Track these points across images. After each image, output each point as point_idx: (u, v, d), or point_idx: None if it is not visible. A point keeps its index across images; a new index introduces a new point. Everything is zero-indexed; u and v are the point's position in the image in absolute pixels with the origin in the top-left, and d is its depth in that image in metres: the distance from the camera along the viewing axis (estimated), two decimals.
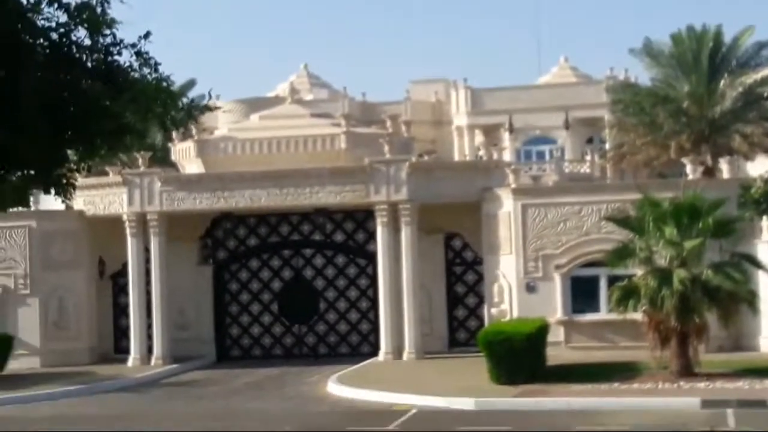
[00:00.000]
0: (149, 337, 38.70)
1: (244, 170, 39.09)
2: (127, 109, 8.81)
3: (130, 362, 38.36)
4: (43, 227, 39.30)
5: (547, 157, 60.44)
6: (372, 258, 38.77)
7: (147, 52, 8.67)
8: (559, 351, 33.02)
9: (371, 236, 38.66)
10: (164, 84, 8.85)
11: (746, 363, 30.80)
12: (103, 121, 8.70)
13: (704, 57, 46.80)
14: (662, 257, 29.18)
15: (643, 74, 51.87)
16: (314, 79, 73.59)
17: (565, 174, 53.74)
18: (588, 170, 56.20)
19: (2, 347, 36.89)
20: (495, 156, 41.69)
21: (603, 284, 34.20)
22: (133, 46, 8.58)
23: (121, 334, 40.55)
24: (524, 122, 64.24)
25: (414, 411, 27.23)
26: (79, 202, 40.20)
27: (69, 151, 9.56)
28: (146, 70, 8.78)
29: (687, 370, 28.85)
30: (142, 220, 38.71)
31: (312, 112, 44.80)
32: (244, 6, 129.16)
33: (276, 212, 39.82)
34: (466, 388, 28.94)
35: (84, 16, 8.20)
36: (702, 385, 27.91)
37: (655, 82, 48.94)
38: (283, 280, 40.91)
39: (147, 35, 8.55)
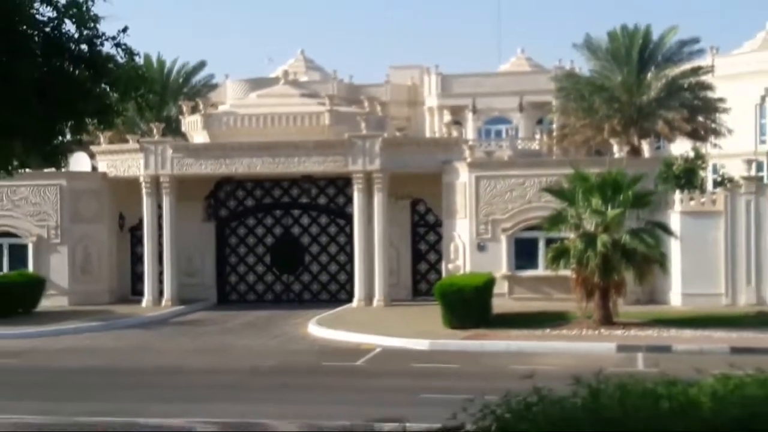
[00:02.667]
0: (160, 281, 38.68)
1: (243, 141, 38.98)
2: (107, 92, 8.87)
3: (143, 303, 38.35)
4: (72, 186, 39.16)
5: (503, 135, 60.56)
6: (350, 219, 38.73)
7: (125, 44, 8.62)
8: (503, 301, 33.10)
9: (349, 200, 38.53)
10: (139, 71, 8.86)
11: (657, 314, 31.23)
12: (88, 102, 8.75)
13: (635, 52, 46.93)
14: (589, 223, 29.32)
15: (586, 66, 51.95)
16: (309, 63, 73.38)
17: (517, 150, 53.80)
18: (537, 147, 56.27)
19: (36, 288, 37.01)
20: (455, 134, 41.73)
21: (541, 245, 34.44)
22: (113, 38, 8.55)
23: (136, 278, 40.42)
24: (485, 104, 64.49)
25: (378, 350, 27.56)
26: (103, 165, 40.54)
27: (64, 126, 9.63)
28: (124, 60, 8.75)
29: (607, 320, 29.25)
30: (155, 182, 38.60)
31: (302, 92, 44.51)
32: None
33: (269, 178, 39.74)
34: (423, 332, 29.21)
35: (71, 12, 8.25)
36: (619, 332, 28.33)
37: (593, 73, 48.98)
38: (275, 236, 40.88)
39: (125, 29, 8.53)
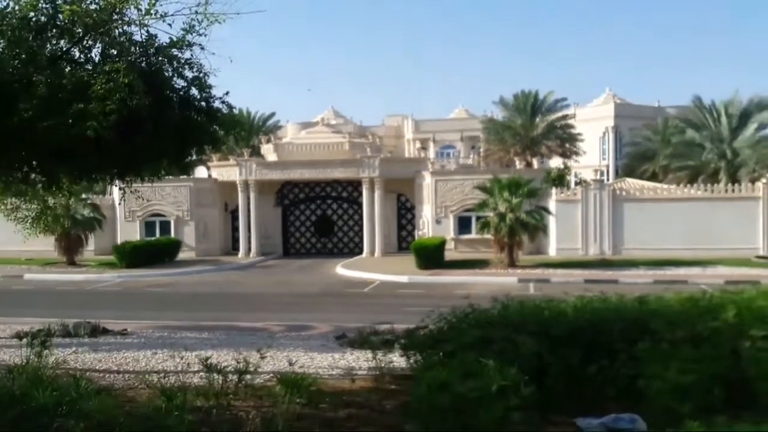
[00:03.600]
0: (249, 242, 38.56)
1: (297, 160, 38.87)
2: (217, 130, 8.84)
3: (239, 255, 38.20)
4: (197, 185, 39.01)
5: (451, 155, 60.40)
6: (360, 205, 38.58)
7: (227, 101, 8.57)
8: (451, 253, 32.99)
9: (360, 194, 38.35)
10: (235, 118, 8.79)
11: (541, 260, 31.26)
12: (205, 136, 8.74)
13: (528, 106, 46.86)
14: (502, 207, 29.21)
15: (500, 114, 51.62)
16: (336, 112, 72.74)
17: (459, 164, 53.51)
18: (471, 162, 56.00)
19: (175, 246, 37.00)
20: (422, 155, 41.78)
21: (473, 220, 34.14)
22: (220, 98, 8.45)
23: (234, 240, 40.31)
24: (441, 137, 64.19)
25: (377, 282, 27.51)
26: (214, 173, 40.37)
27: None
28: (227, 111, 8.69)
29: (512, 264, 29.24)
30: (246, 184, 38.44)
31: (332, 130, 44.38)
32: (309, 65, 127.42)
33: (313, 181, 39.49)
34: (404, 271, 29.17)
35: (195, 83, 8.18)
36: (519, 271, 28.30)
37: (505, 119, 48.78)
38: (316, 215, 40.69)
39: (227, 93, 8.53)
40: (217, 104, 8.27)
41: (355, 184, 39.02)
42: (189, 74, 7.84)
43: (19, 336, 15.68)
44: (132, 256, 32.88)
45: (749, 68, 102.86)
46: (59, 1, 7.30)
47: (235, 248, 39.78)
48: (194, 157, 9.84)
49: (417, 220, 37.41)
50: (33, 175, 10.27)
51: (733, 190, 32.54)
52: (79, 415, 5.22)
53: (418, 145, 63.03)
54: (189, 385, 8.09)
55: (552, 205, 32.92)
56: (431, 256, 29.75)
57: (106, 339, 15.26)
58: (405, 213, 39.33)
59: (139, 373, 10.73)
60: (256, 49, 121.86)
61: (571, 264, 29.54)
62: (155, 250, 34.90)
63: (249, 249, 38.42)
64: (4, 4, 7.24)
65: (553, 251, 33.49)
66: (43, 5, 7.28)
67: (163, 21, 7.27)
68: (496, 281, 26.15)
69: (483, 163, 50.84)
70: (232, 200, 39.79)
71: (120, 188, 9.75)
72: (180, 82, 8.02)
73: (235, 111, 8.78)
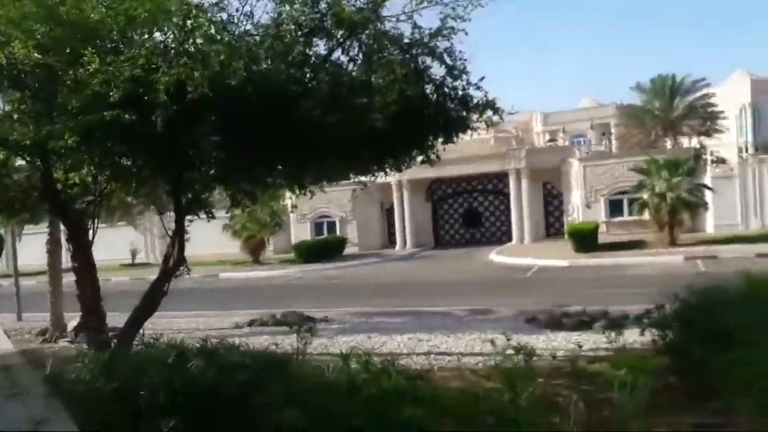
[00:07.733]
0: (404, 235, 38.55)
1: (447, 157, 38.05)
2: (469, 117, 8.23)
3: (396, 248, 38.28)
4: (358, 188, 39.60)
5: (582, 143, 57.38)
6: (506, 195, 37.35)
7: (481, 87, 7.91)
8: (604, 236, 30.80)
9: (505, 185, 37.13)
10: (489, 101, 7.96)
11: (701, 238, 28.60)
12: (460, 123, 8.20)
13: (666, 89, 43.20)
14: (661, 187, 26.88)
15: (634, 100, 47.91)
16: None
17: (593, 151, 50.79)
18: (603, 149, 52.92)
19: (342, 243, 37.65)
20: (562, 143, 39.89)
21: (625, 203, 31.90)
22: (476, 84, 7.82)
23: (391, 235, 40.45)
24: (570, 128, 60.77)
25: (537, 267, 26.16)
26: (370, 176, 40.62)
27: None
28: (480, 95, 8.02)
29: (672, 243, 26.90)
30: (399, 184, 38.37)
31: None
32: None
33: (460, 176, 38.68)
34: (560, 255, 27.56)
35: (453, 72, 7.61)
36: (681, 249, 25.96)
37: (643, 103, 45.32)
38: (464, 207, 39.98)
39: (482, 79, 7.83)
40: (470, 91, 7.67)
41: (500, 176, 37.77)
42: (449, 62, 7.30)
43: (238, 326, 16.15)
44: (308, 252, 33.88)
45: None
46: (322, 6, 7.01)
47: (391, 242, 39.89)
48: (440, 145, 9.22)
49: (565, 206, 35.61)
50: (270, 179, 10.23)
51: None
52: (427, 401, 4.74)
53: (547, 137, 60.57)
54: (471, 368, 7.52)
55: (708, 181, 30.09)
56: (587, 240, 28.06)
57: (315, 326, 15.31)
58: (551, 200, 37.55)
59: (379, 355, 10.43)
60: None
61: (734, 239, 26.81)
62: (326, 246, 35.71)
63: (404, 242, 38.34)
64: (277, 13, 7.07)
65: (710, 228, 30.67)
66: (309, 10, 7.02)
67: (437, 4, 6.74)
68: (661, 261, 24.12)
69: (616, 149, 47.81)
70: (388, 199, 39.86)
71: (355, 190, 9.44)
72: (438, 72, 7.51)
73: (489, 94, 8.11)
